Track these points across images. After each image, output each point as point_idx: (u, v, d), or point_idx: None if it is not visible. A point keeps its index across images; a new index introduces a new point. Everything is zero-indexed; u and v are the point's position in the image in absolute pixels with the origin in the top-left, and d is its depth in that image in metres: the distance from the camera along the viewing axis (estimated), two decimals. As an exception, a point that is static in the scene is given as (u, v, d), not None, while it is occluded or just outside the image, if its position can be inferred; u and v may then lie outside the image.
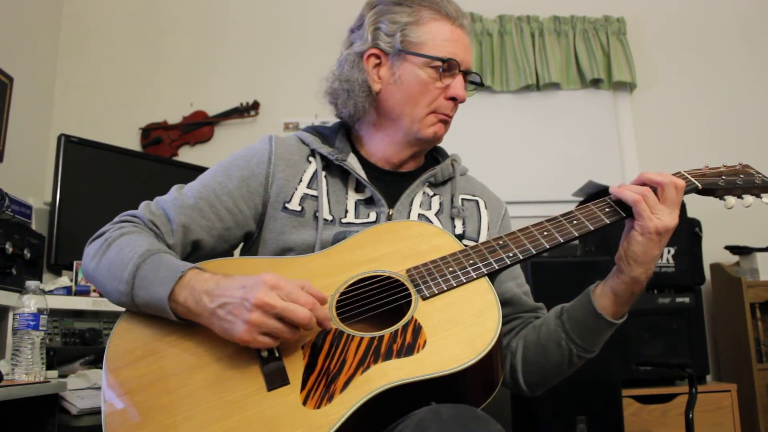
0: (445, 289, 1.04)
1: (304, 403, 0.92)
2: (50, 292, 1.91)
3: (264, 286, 0.94)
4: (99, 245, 1.10)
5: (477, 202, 1.33)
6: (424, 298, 1.03)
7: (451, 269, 1.06)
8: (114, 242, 1.08)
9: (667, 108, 3.33)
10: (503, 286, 1.27)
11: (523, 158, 3.26)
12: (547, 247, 1.10)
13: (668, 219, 1.07)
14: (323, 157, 1.25)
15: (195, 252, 1.18)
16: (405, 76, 1.22)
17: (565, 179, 3.06)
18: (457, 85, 1.22)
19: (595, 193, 2.72)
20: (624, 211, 1.11)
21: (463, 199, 1.31)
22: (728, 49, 3.39)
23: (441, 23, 1.23)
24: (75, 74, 3.15)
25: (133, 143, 3.07)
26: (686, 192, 1.13)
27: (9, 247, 1.78)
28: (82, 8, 3.23)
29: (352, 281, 1.07)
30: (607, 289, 1.13)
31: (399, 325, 1.00)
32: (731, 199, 1.16)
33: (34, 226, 2.07)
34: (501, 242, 1.11)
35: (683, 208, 2.50)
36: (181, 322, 1.01)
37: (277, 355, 0.96)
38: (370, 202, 1.24)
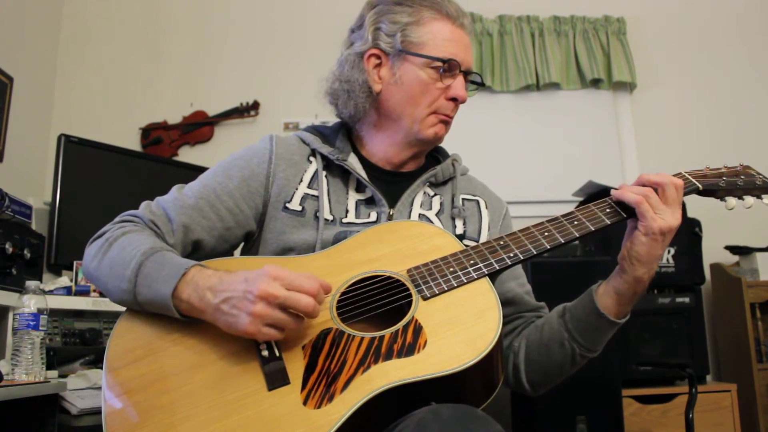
0: (446, 289, 1.04)
1: (305, 402, 0.92)
2: (50, 292, 1.91)
3: (266, 277, 0.94)
4: (100, 245, 1.10)
5: (478, 202, 1.33)
6: (425, 298, 1.03)
7: (451, 269, 1.06)
8: (116, 241, 1.08)
9: (667, 108, 3.33)
10: (505, 285, 1.27)
11: (523, 158, 3.26)
12: (548, 247, 1.10)
13: (671, 219, 1.07)
14: (324, 157, 1.25)
15: (195, 252, 1.18)
16: (405, 77, 1.22)
17: (565, 179, 3.06)
18: (457, 85, 1.22)
19: (595, 193, 2.72)
20: (625, 211, 1.11)
21: (463, 199, 1.31)
22: (728, 49, 3.39)
23: (442, 23, 1.22)
24: (75, 74, 3.15)
25: (133, 143, 3.07)
26: (687, 193, 1.13)
27: (9, 247, 1.78)
28: (82, 8, 3.23)
29: (352, 281, 1.07)
30: (610, 288, 1.13)
31: (399, 325, 0.99)
32: (732, 200, 1.16)
33: (34, 226, 2.07)
34: (502, 242, 1.11)
35: (683, 208, 2.50)
36: (184, 320, 1.01)
37: (277, 354, 0.96)
38: (370, 202, 1.24)
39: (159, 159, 2.76)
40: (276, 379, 0.94)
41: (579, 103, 3.32)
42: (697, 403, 2.12)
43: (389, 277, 1.08)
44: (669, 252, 2.68)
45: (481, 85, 1.31)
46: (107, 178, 2.28)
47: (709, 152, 3.15)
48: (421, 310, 1.01)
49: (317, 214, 1.20)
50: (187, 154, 3.10)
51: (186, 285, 0.99)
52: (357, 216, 1.22)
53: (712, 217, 2.76)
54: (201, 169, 1.38)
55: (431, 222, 1.24)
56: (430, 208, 1.27)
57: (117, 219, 1.16)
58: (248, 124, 3.18)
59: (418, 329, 0.99)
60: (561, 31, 3.30)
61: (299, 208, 1.20)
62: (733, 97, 3.35)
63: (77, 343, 1.86)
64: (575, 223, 1.12)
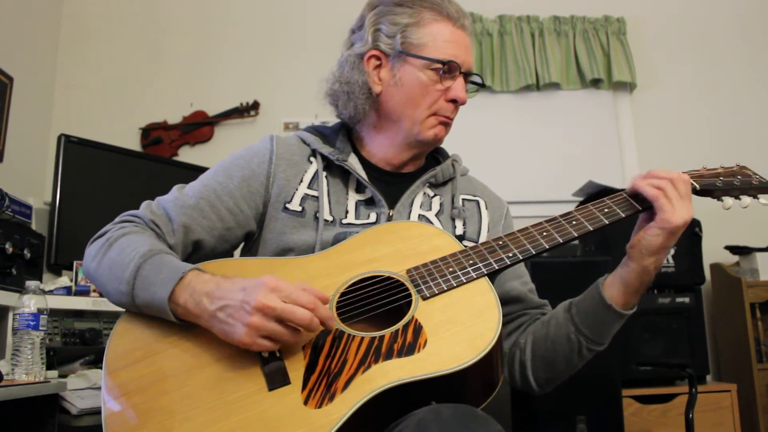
0: (446, 289, 1.04)
1: (305, 402, 0.92)
2: (50, 292, 1.91)
3: (264, 289, 0.94)
4: (100, 245, 1.10)
5: (477, 203, 1.33)
6: (425, 298, 1.03)
7: (451, 269, 1.07)
8: (115, 242, 1.08)
9: (667, 108, 3.33)
10: (508, 284, 1.27)
11: (523, 158, 3.26)
12: (547, 247, 1.10)
13: (686, 213, 1.07)
14: (324, 158, 1.25)
15: (196, 252, 1.18)
16: (405, 78, 1.22)
17: (565, 179, 3.07)
18: (457, 87, 1.22)
19: (594, 193, 2.72)
20: (640, 204, 1.11)
21: (463, 200, 1.31)
22: (728, 49, 3.39)
23: (442, 24, 1.22)
24: (75, 74, 3.16)
25: (133, 143, 3.07)
26: None
27: (9, 247, 1.78)
28: (82, 8, 3.23)
29: (352, 281, 1.07)
30: (617, 279, 1.13)
31: (399, 325, 1.00)
32: (729, 200, 1.17)
33: (34, 226, 2.07)
34: (501, 242, 1.12)
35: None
36: (180, 324, 1.01)
37: (277, 355, 0.96)
38: (370, 202, 1.24)
39: (159, 159, 2.76)
40: (276, 379, 0.94)
41: (579, 103, 3.33)
42: (697, 403, 2.12)
43: (389, 278, 1.08)
44: (669, 252, 2.68)
45: (481, 86, 1.31)
46: (107, 178, 2.28)
47: (709, 152, 3.15)
48: (421, 310, 1.02)
49: (317, 215, 1.20)
50: (187, 154, 3.10)
51: (183, 289, 0.99)
52: (357, 217, 1.22)
53: (712, 217, 2.75)
54: (201, 169, 1.38)
55: (431, 223, 1.24)
56: (430, 209, 1.27)
57: (117, 219, 1.16)
58: (248, 124, 3.18)
59: (418, 329, 0.99)
60: (561, 31, 3.30)
61: (299, 209, 1.20)
62: (733, 97, 3.35)
63: (77, 343, 1.86)
64: (573, 223, 1.12)
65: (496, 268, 1.08)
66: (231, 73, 3.23)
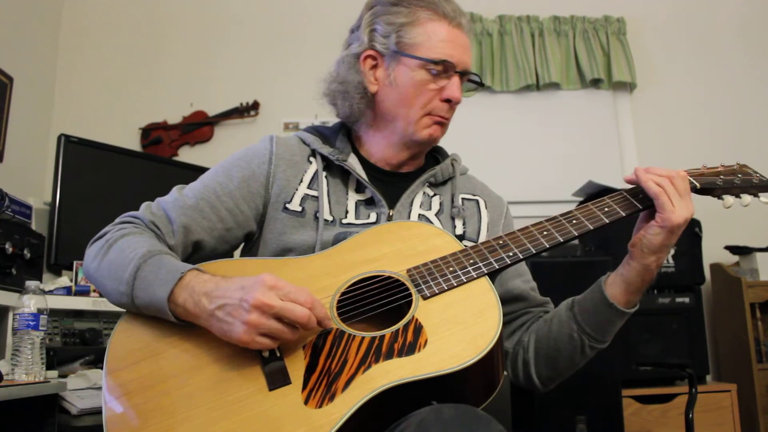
0: (446, 288, 1.04)
1: (306, 402, 0.92)
2: (50, 292, 1.91)
3: (262, 287, 0.94)
4: (100, 246, 1.10)
5: (477, 202, 1.33)
6: (425, 298, 1.03)
7: (451, 269, 1.07)
8: (115, 243, 1.08)
9: (667, 108, 3.33)
10: (511, 283, 1.28)
11: (523, 158, 3.26)
12: (547, 246, 1.10)
13: (686, 211, 1.07)
14: (324, 158, 1.25)
15: (196, 252, 1.18)
16: (400, 78, 1.22)
17: (565, 179, 3.07)
18: (452, 86, 1.21)
19: (594, 193, 2.72)
20: (641, 202, 1.12)
21: (463, 199, 1.31)
22: (728, 48, 3.39)
23: (437, 24, 1.21)
24: (75, 74, 3.16)
25: (133, 143, 3.07)
26: None
27: (9, 247, 1.78)
28: (82, 8, 3.23)
29: (352, 281, 1.07)
30: (618, 278, 1.13)
31: (400, 325, 1.00)
32: (729, 199, 1.17)
33: (34, 226, 2.07)
34: (501, 242, 1.12)
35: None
36: (180, 324, 1.01)
37: (278, 355, 0.96)
38: (370, 202, 1.24)
39: (159, 159, 2.76)
40: (277, 379, 0.94)
41: (579, 103, 3.33)
42: (697, 403, 2.12)
43: (389, 277, 1.08)
44: (670, 250, 2.69)
45: (480, 85, 1.31)
46: (107, 178, 2.28)
47: (709, 152, 3.14)
48: (422, 310, 1.02)
49: (317, 215, 1.20)
50: (187, 154, 3.11)
51: (182, 290, 0.99)
52: (357, 217, 1.22)
53: (712, 218, 2.76)
54: (201, 169, 1.38)
55: (431, 222, 1.24)
56: (430, 209, 1.27)
57: (117, 220, 1.16)
58: (248, 124, 3.18)
59: (418, 328, 0.99)
60: (561, 31, 3.30)
61: (299, 209, 1.20)
62: (732, 97, 3.35)
63: (77, 343, 1.86)
64: (574, 222, 1.12)
65: (497, 267, 1.08)
66: (231, 73, 3.23)
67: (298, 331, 0.95)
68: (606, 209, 1.13)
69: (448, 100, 1.22)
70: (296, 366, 0.96)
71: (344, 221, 1.21)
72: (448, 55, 1.20)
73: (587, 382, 2.01)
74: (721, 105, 3.34)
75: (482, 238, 1.27)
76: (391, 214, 1.23)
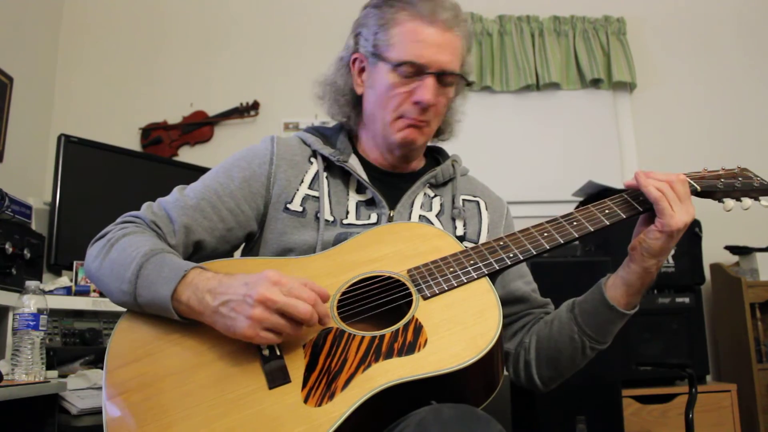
0: (446, 288, 1.04)
1: (306, 401, 0.92)
2: (50, 292, 1.91)
3: (266, 282, 0.94)
4: (102, 245, 1.10)
5: (478, 203, 1.33)
6: (425, 298, 1.03)
7: (451, 269, 1.07)
8: (117, 242, 1.08)
9: (667, 108, 3.33)
10: (512, 284, 1.28)
11: (523, 158, 3.26)
12: (548, 247, 1.10)
13: (686, 215, 1.08)
14: (325, 158, 1.26)
15: (197, 253, 1.18)
16: (376, 81, 1.22)
17: (565, 179, 3.07)
18: (421, 88, 1.18)
19: (594, 193, 2.72)
20: (641, 205, 1.12)
21: (464, 200, 1.31)
22: (728, 48, 3.39)
23: (413, 24, 1.18)
24: (75, 74, 3.16)
25: (133, 143, 3.07)
26: None
27: (9, 247, 1.78)
28: (82, 8, 3.23)
29: (353, 281, 1.07)
30: (618, 280, 1.14)
31: (400, 324, 1.00)
32: (730, 202, 1.17)
33: (34, 226, 2.07)
34: (501, 243, 1.12)
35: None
36: (183, 321, 1.01)
37: (278, 353, 0.97)
38: (371, 203, 1.24)
39: (159, 159, 2.76)
40: (277, 377, 0.94)
41: (579, 103, 3.33)
42: (697, 403, 2.12)
43: (389, 278, 1.08)
44: (670, 252, 2.69)
45: (467, 84, 1.27)
46: (107, 178, 2.28)
47: (709, 152, 3.15)
48: (422, 310, 1.02)
49: (318, 215, 1.20)
50: (187, 154, 3.10)
51: (185, 287, 0.99)
52: (357, 217, 1.22)
53: (712, 218, 2.75)
54: (201, 169, 1.38)
55: (431, 223, 1.24)
56: (431, 210, 1.27)
57: (119, 220, 1.16)
58: (248, 124, 3.18)
59: (418, 328, 0.99)
60: (561, 31, 3.30)
61: (300, 209, 1.20)
62: (733, 97, 3.35)
63: (77, 343, 1.86)
64: (574, 223, 1.12)
65: (497, 268, 1.08)
66: (231, 73, 3.23)
67: (301, 327, 0.96)
68: (606, 211, 1.13)
69: (418, 102, 1.20)
70: (296, 365, 0.96)
71: (345, 222, 1.21)
72: (417, 56, 1.17)
73: (587, 382, 2.01)
74: (721, 105, 3.34)
75: (483, 239, 1.28)
76: (391, 215, 1.23)
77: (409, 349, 0.96)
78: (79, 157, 2.23)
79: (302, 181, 1.23)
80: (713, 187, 1.16)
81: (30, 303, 1.41)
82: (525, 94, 3.29)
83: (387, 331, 0.99)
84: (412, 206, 1.26)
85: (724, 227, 2.81)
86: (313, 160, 1.27)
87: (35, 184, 2.82)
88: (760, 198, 1.18)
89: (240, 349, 0.97)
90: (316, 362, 0.96)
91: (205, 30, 3.27)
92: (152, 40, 3.24)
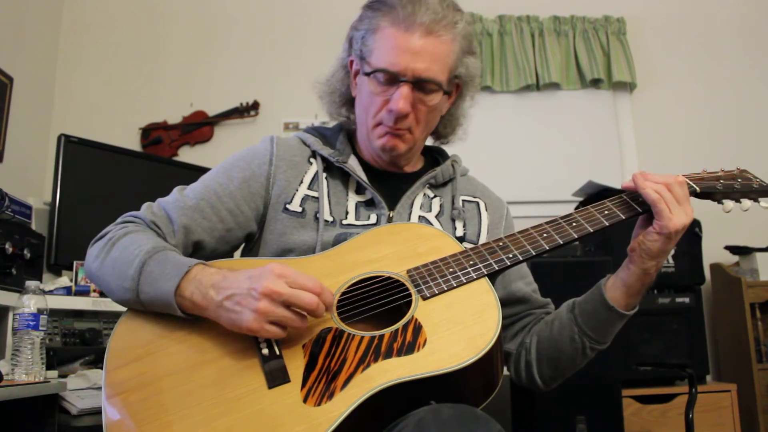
0: (446, 289, 1.04)
1: (305, 400, 0.92)
2: (50, 292, 1.91)
3: (270, 275, 0.94)
4: (103, 245, 1.10)
5: (478, 204, 1.33)
6: (425, 298, 1.03)
7: (451, 270, 1.07)
8: (118, 241, 1.09)
9: (667, 108, 3.33)
10: (513, 285, 1.28)
11: (523, 158, 3.26)
12: (547, 248, 1.11)
13: (684, 217, 1.08)
14: (324, 159, 1.26)
15: (196, 253, 1.18)
16: (361, 86, 1.23)
17: (565, 179, 3.06)
18: (395, 96, 1.16)
19: (594, 194, 2.72)
20: (640, 206, 1.12)
21: (463, 201, 1.31)
22: (728, 48, 3.39)
23: (390, 30, 1.17)
24: (75, 74, 3.16)
25: (133, 143, 3.07)
26: None
27: (9, 247, 1.78)
28: (82, 8, 3.23)
29: (352, 281, 1.07)
30: (618, 281, 1.14)
31: (399, 325, 1.00)
32: (729, 203, 1.17)
33: (34, 226, 2.07)
34: (501, 243, 1.12)
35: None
36: (186, 318, 1.01)
37: (277, 353, 0.97)
38: (370, 204, 1.24)
39: (159, 159, 2.76)
40: (276, 377, 0.94)
41: (579, 103, 3.33)
42: (697, 403, 2.12)
43: (389, 278, 1.08)
44: (670, 253, 2.69)
45: (445, 93, 1.23)
46: (107, 178, 2.28)
47: (709, 152, 3.15)
48: (421, 310, 1.02)
49: (317, 216, 1.20)
50: (187, 154, 3.11)
51: (189, 283, 0.99)
52: (357, 218, 1.22)
53: (712, 218, 2.74)
54: (201, 169, 1.38)
55: (431, 224, 1.24)
56: (430, 210, 1.27)
57: (119, 220, 1.16)
58: (248, 124, 3.18)
59: (417, 328, 0.99)
60: (561, 31, 3.30)
61: (299, 210, 1.20)
62: (733, 97, 3.35)
63: (77, 343, 1.86)
64: (573, 224, 1.13)
65: (496, 268, 1.08)
66: (231, 73, 3.23)
67: (306, 319, 0.96)
68: (606, 212, 1.13)
69: (391, 111, 1.18)
70: (295, 364, 0.96)
71: (344, 222, 1.21)
72: (391, 63, 1.15)
73: (587, 382, 2.01)
74: (721, 105, 3.34)
75: (482, 240, 1.28)
76: (391, 215, 1.23)
77: (409, 349, 0.96)
78: (79, 157, 2.23)
79: (302, 182, 1.23)
80: (712, 189, 1.17)
81: (30, 303, 1.41)
82: (525, 94, 3.29)
83: (386, 331, 0.99)
84: (411, 207, 1.26)
85: (724, 227, 2.80)
86: (312, 160, 1.27)
87: (35, 184, 2.82)
88: (760, 199, 1.18)
89: (240, 348, 0.98)
90: (315, 362, 0.96)
91: (205, 30, 3.27)
92: (152, 40, 3.24)
